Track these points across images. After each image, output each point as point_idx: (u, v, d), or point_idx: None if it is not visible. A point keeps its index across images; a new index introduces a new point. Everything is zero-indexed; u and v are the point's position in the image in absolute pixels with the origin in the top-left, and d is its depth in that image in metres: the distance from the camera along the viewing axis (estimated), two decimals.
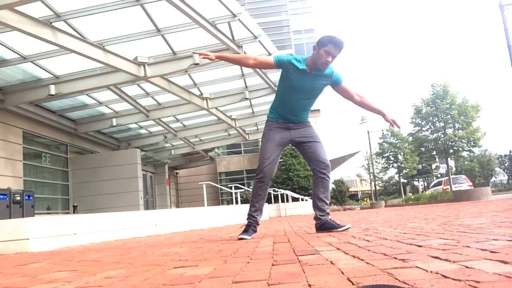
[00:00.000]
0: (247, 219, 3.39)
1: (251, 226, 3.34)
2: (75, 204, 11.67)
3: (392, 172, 33.01)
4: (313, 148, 3.28)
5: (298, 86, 3.16)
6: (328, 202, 3.30)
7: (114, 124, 12.28)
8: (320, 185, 3.27)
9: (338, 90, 3.32)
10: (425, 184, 43.69)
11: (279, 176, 24.21)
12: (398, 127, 3.39)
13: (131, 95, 11.24)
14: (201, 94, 11.96)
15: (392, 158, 28.15)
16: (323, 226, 3.23)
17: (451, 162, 32.18)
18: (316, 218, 3.29)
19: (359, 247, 1.93)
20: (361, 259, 1.49)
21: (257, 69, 10.31)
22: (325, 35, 3.10)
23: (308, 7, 35.68)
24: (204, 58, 3.23)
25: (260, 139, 23.43)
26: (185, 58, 9.08)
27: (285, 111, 3.27)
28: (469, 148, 22.72)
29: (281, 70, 3.24)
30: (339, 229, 3.15)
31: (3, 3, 5.72)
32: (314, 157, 3.28)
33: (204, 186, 9.09)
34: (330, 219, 3.26)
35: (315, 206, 3.29)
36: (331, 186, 28.80)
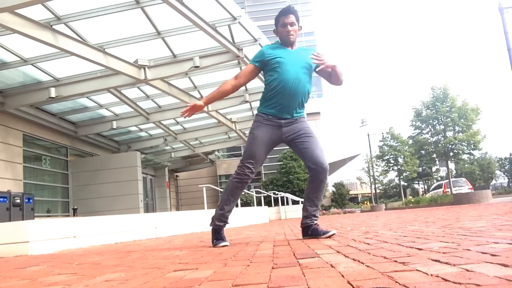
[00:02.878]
0: (217, 221, 3.00)
1: (220, 230, 3.01)
2: (75, 207, 11.67)
3: (392, 175, 33.07)
4: (306, 144, 2.92)
5: (289, 59, 2.90)
6: (317, 204, 2.97)
7: (114, 126, 12.29)
8: (312, 185, 2.95)
9: (320, 71, 2.98)
10: (425, 187, 43.65)
11: (279, 179, 24.20)
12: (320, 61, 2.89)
13: (131, 98, 11.24)
14: (201, 97, 11.94)
15: (392, 161, 28.14)
16: (306, 230, 2.98)
17: (451, 165, 32.18)
18: (302, 219, 3.01)
19: (359, 250, 1.93)
20: (362, 262, 1.49)
21: None
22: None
23: (308, 10, 35.77)
24: (188, 114, 2.98)
25: None
26: (185, 61, 9.10)
27: (280, 97, 2.89)
28: (469, 151, 22.75)
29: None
30: (323, 236, 2.87)
31: (4, 6, 5.73)
32: (307, 154, 2.92)
33: (204, 189, 9.08)
34: (315, 224, 2.95)
35: (303, 206, 3.01)
36: (331, 189, 28.75)
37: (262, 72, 3.07)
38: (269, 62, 2.95)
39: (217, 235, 3.01)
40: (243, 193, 3.11)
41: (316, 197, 2.96)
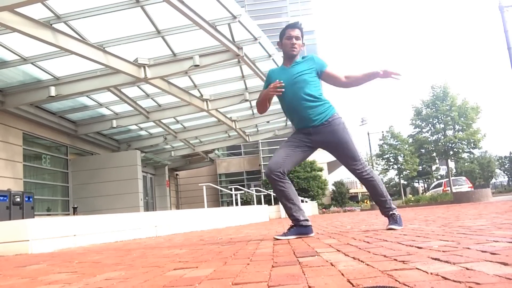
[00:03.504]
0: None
1: (293, 226, 3.12)
2: (75, 206, 11.67)
3: (392, 173, 33.01)
4: (336, 156, 3.16)
5: (285, 78, 3.06)
6: (381, 200, 3.13)
7: (114, 125, 12.28)
8: (367, 187, 3.17)
9: (325, 77, 3.14)
10: (425, 186, 43.66)
11: None
12: (398, 74, 3.03)
13: (131, 97, 11.24)
14: (201, 95, 11.96)
15: (392, 160, 28.12)
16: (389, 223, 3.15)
17: (451, 164, 32.18)
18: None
19: (359, 248, 1.93)
20: (361, 261, 1.49)
21: (256, 70, 10.31)
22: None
23: (308, 9, 35.69)
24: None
25: (260, 141, 23.45)
26: (185, 60, 9.09)
27: (292, 117, 3.16)
28: (469, 150, 22.79)
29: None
30: (389, 226, 3.08)
31: (4, 5, 5.73)
32: (342, 163, 3.18)
33: (204, 187, 9.09)
34: (393, 210, 3.12)
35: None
36: (331, 187, 28.74)
37: None
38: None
39: (288, 229, 3.11)
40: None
41: (376, 195, 3.14)
